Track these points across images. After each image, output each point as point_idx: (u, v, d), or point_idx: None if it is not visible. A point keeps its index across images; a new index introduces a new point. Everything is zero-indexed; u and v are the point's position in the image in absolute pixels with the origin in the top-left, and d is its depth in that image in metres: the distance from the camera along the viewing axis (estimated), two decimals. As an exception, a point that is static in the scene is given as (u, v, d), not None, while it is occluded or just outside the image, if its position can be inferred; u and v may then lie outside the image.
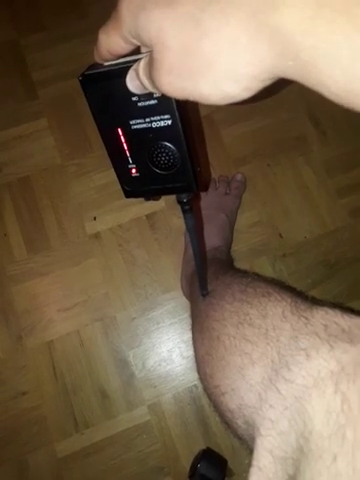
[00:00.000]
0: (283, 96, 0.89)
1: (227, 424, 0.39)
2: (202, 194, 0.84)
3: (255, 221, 0.86)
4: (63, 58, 0.92)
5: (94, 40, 0.27)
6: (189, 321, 0.60)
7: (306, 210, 0.86)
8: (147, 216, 0.85)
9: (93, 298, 0.82)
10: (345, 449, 0.24)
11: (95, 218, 0.85)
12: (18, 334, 0.80)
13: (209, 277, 0.56)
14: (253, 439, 0.31)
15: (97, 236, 0.84)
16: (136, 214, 0.85)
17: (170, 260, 0.84)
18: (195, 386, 0.79)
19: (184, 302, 0.80)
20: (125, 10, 0.23)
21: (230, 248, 0.82)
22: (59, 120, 0.89)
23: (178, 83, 0.22)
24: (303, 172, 0.88)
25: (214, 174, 0.88)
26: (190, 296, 0.71)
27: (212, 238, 0.76)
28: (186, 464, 0.75)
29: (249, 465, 0.30)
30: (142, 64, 0.25)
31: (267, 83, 0.20)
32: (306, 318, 0.33)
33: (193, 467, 0.71)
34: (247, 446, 0.35)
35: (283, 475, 0.28)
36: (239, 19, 0.18)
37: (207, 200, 0.82)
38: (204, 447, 0.76)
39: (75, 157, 0.87)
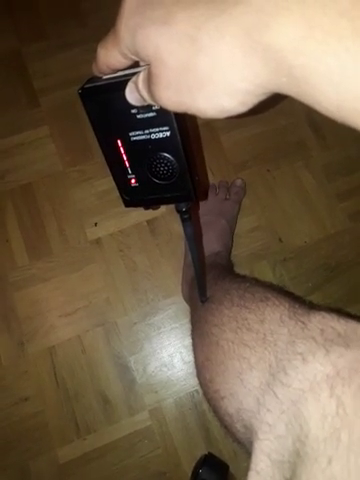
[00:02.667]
0: (283, 101, 0.90)
1: (226, 428, 0.39)
2: (205, 199, 0.84)
3: (255, 226, 0.86)
4: (64, 66, 0.93)
5: (93, 52, 0.28)
6: (190, 326, 0.60)
7: (306, 214, 0.87)
8: (148, 222, 0.86)
9: (94, 304, 0.82)
10: (340, 452, 0.24)
11: (96, 224, 0.85)
12: (20, 340, 0.80)
13: (209, 282, 0.56)
14: (252, 443, 0.31)
15: (98, 242, 0.85)
16: (137, 220, 0.86)
17: (171, 265, 0.84)
18: (196, 391, 0.79)
19: (185, 307, 0.81)
20: (123, 27, 0.23)
21: (230, 253, 0.82)
22: (60, 127, 0.90)
23: (176, 98, 0.22)
24: (303, 177, 0.89)
25: (214, 179, 0.89)
26: (190, 301, 0.71)
27: (212, 243, 0.77)
28: (188, 469, 0.75)
29: (247, 469, 0.30)
30: (141, 77, 0.25)
31: (262, 98, 0.21)
32: (303, 323, 0.34)
33: (195, 472, 0.71)
34: (246, 450, 0.35)
35: (280, 478, 0.28)
36: (234, 36, 0.18)
37: (207, 206, 0.82)
38: (206, 452, 0.76)
39: (76, 164, 0.88)
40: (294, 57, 0.17)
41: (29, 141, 0.90)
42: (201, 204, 0.83)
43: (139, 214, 0.85)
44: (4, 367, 0.79)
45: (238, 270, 0.83)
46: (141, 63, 0.28)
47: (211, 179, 0.89)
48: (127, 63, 0.27)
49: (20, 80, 0.93)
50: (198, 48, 0.20)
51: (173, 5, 0.21)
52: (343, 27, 0.16)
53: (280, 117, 0.91)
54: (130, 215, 0.86)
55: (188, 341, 0.79)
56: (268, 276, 0.84)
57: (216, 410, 0.40)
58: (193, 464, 0.74)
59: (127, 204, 0.37)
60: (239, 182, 0.85)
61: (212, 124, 0.91)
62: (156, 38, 0.21)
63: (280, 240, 0.86)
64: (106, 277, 0.83)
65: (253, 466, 0.30)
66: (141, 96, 0.26)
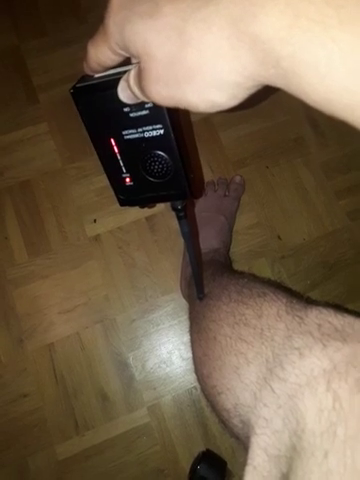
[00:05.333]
0: (281, 98, 0.90)
1: (224, 424, 0.39)
2: (201, 197, 0.84)
3: (254, 223, 0.86)
4: (63, 63, 0.93)
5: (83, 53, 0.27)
6: (188, 323, 0.60)
7: (304, 212, 0.87)
8: (147, 218, 0.86)
9: (93, 300, 0.82)
10: (336, 446, 0.24)
11: (95, 220, 0.85)
12: (19, 337, 0.80)
13: (207, 279, 0.56)
14: (249, 438, 0.31)
15: (97, 238, 0.85)
16: (136, 216, 0.86)
17: (169, 262, 0.84)
18: (195, 388, 0.79)
19: (183, 304, 0.81)
20: (111, 23, 0.23)
21: (229, 250, 0.82)
22: (59, 124, 0.90)
23: (166, 92, 0.22)
24: (301, 174, 0.88)
25: (213, 176, 0.88)
26: (189, 298, 0.71)
27: (211, 240, 0.77)
28: (186, 466, 0.75)
29: (244, 464, 0.30)
30: (132, 74, 0.25)
31: (253, 90, 0.21)
32: (300, 317, 0.34)
33: (193, 469, 0.71)
34: (243, 445, 0.35)
35: (277, 473, 0.28)
36: (220, 27, 0.18)
37: (206, 202, 0.82)
38: (204, 449, 0.76)
39: (75, 160, 0.88)
40: (281, 47, 0.17)
41: (28, 138, 0.90)
42: (200, 201, 0.83)
43: (138, 211, 0.85)
44: (3, 364, 0.79)
45: (236, 267, 0.83)
46: (132, 60, 0.27)
47: (210, 176, 0.89)
48: (117, 60, 0.26)
49: (19, 76, 0.93)
50: (185, 40, 0.20)
51: None
52: (329, 16, 0.15)
53: (279, 114, 0.91)
54: (129, 212, 0.86)
55: (187, 338, 0.79)
56: (266, 273, 0.84)
57: (213, 405, 0.40)
58: (191, 461, 0.74)
59: (122, 203, 0.37)
60: (238, 179, 0.85)
61: (211, 121, 0.91)
62: (144, 32, 0.21)
63: (279, 237, 0.86)
64: (105, 274, 0.83)
65: (250, 461, 0.30)
66: (133, 93, 0.26)
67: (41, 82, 0.93)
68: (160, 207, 0.86)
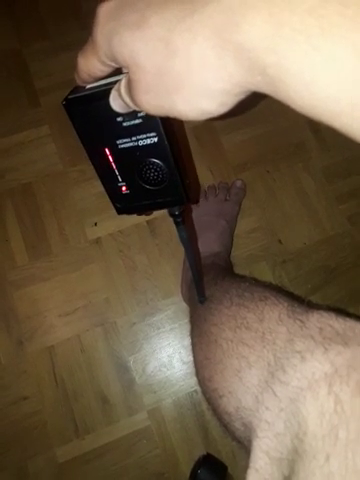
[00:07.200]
0: (282, 103, 0.90)
1: (225, 427, 0.39)
2: (202, 200, 0.85)
3: (255, 227, 0.87)
4: (65, 66, 0.94)
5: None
6: (189, 326, 0.60)
7: (305, 216, 0.87)
8: (148, 222, 0.86)
9: (94, 303, 0.82)
10: (338, 449, 0.24)
11: (96, 224, 0.86)
12: (19, 339, 0.80)
13: (208, 283, 0.56)
14: (250, 441, 0.32)
15: (98, 242, 0.85)
16: (137, 220, 0.86)
17: (170, 265, 0.84)
18: (195, 391, 0.79)
19: (184, 307, 0.81)
20: (99, 35, 0.23)
21: (230, 254, 0.82)
22: (61, 127, 0.90)
23: (156, 101, 0.22)
24: (302, 178, 0.89)
25: (214, 181, 0.89)
26: (190, 301, 0.71)
27: (212, 244, 0.77)
28: (186, 470, 0.75)
29: (247, 467, 0.30)
30: (123, 83, 0.26)
31: (241, 96, 0.21)
32: (302, 321, 0.34)
33: (193, 473, 0.71)
34: (245, 449, 0.35)
35: (279, 476, 0.28)
36: (205, 37, 0.18)
37: (207, 206, 0.83)
38: (204, 453, 0.76)
39: (76, 164, 0.88)
40: (266, 56, 0.17)
41: (29, 140, 0.90)
42: (201, 205, 0.84)
43: (139, 215, 0.86)
44: (3, 366, 0.79)
45: (237, 271, 0.83)
46: (123, 69, 0.28)
47: (211, 180, 0.89)
48: (107, 70, 0.27)
49: (21, 80, 0.94)
50: (172, 51, 0.20)
51: (146, 9, 0.21)
52: (311, 25, 0.15)
53: (280, 119, 0.91)
54: (130, 216, 0.85)
55: (187, 341, 0.79)
56: (267, 277, 0.84)
57: (214, 408, 0.41)
58: (192, 464, 0.74)
59: (120, 211, 0.38)
60: (239, 183, 0.86)
61: (212, 125, 0.91)
62: (131, 43, 0.21)
63: (280, 241, 0.86)
64: (106, 277, 0.83)
65: (252, 464, 0.30)
66: (124, 102, 0.26)
67: (43, 85, 0.93)
68: (161, 211, 0.86)
